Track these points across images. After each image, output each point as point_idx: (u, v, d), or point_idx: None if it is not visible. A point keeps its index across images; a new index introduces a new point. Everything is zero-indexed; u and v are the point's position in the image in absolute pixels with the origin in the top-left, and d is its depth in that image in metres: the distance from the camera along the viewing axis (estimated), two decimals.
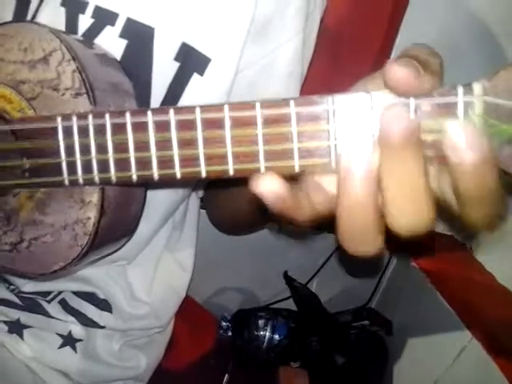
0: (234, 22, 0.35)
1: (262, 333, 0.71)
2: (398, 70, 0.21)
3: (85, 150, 0.27)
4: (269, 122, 0.24)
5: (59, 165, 0.28)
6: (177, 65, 0.35)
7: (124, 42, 0.34)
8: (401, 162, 0.20)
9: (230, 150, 0.25)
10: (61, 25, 0.34)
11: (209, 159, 0.25)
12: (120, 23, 0.34)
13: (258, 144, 0.24)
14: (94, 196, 0.28)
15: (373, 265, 0.77)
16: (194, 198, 0.54)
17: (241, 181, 0.38)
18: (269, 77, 0.38)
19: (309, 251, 0.76)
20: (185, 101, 0.36)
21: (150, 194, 0.40)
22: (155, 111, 0.26)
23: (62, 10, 0.34)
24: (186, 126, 0.25)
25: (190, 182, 0.44)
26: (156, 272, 0.48)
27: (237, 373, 0.67)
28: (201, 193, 0.53)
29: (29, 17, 0.34)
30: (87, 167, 0.27)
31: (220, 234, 0.66)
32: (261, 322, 0.71)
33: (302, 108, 0.24)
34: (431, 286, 0.69)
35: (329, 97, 0.23)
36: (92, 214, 0.28)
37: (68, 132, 0.27)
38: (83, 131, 0.27)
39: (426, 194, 0.21)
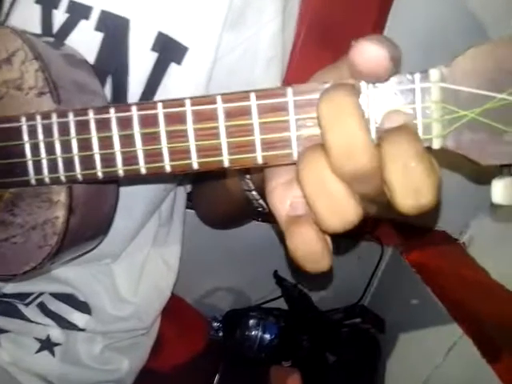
0: (211, 9, 0.35)
1: (253, 333, 0.70)
2: (373, 49, 0.19)
3: (50, 148, 0.27)
4: (230, 115, 0.24)
5: (25, 164, 0.28)
6: (154, 55, 0.35)
7: (100, 35, 0.34)
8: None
9: (193, 144, 0.25)
10: (36, 22, 0.34)
11: (172, 154, 0.25)
12: (94, 16, 0.34)
13: (221, 137, 0.24)
14: (61, 195, 0.28)
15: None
16: (181, 195, 0.53)
17: (224, 172, 0.38)
18: (249, 63, 0.38)
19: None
20: (163, 91, 0.36)
21: (131, 189, 0.39)
22: (118, 108, 0.25)
23: (37, 6, 0.34)
24: (149, 121, 0.25)
25: (171, 177, 0.44)
26: (143, 271, 0.48)
27: (228, 373, 0.67)
28: (189, 187, 0.53)
29: (3, 16, 0.34)
30: (53, 166, 0.27)
31: (210, 233, 0.66)
32: (252, 322, 0.70)
33: (263, 100, 0.23)
34: (423, 283, 0.69)
35: (289, 88, 0.23)
36: (60, 213, 0.28)
37: (33, 131, 0.27)
38: (48, 130, 0.27)
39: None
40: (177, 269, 0.53)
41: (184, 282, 0.60)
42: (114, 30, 0.34)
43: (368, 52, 0.20)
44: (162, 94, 0.36)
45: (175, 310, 0.61)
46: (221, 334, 0.72)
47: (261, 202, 0.35)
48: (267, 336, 0.70)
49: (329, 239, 0.23)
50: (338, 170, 0.20)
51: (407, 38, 0.56)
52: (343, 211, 0.21)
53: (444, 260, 0.70)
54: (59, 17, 0.34)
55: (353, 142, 0.20)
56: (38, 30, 0.34)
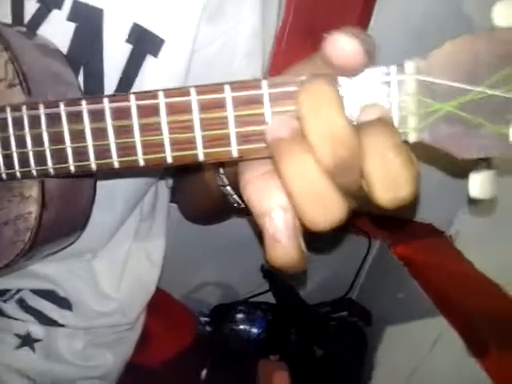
0: (188, 1, 0.34)
1: (241, 327, 0.70)
2: (345, 41, 0.19)
3: (21, 142, 0.26)
4: (205, 107, 0.23)
5: None
6: (129, 47, 0.34)
7: (72, 26, 0.33)
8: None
9: (166, 137, 0.24)
10: (6, 11, 0.33)
11: (146, 147, 0.25)
12: (67, 6, 0.33)
13: (195, 130, 0.24)
14: (33, 190, 0.27)
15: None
16: (164, 189, 0.53)
17: (202, 166, 0.38)
18: (227, 56, 0.38)
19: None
20: (140, 84, 0.35)
21: (111, 183, 0.39)
22: (90, 100, 0.25)
23: None
24: (122, 114, 0.24)
25: (153, 171, 0.44)
26: (125, 266, 0.47)
27: (216, 368, 0.67)
28: (170, 182, 0.53)
29: None
30: (24, 160, 0.26)
31: (197, 228, 0.66)
32: (239, 316, 0.71)
33: (238, 92, 0.23)
34: (409, 275, 0.69)
35: (264, 80, 0.23)
36: (33, 208, 0.28)
37: (3, 124, 0.26)
38: (18, 123, 0.26)
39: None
40: (161, 263, 0.53)
41: (171, 276, 0.60)
42: (87, 20, 0.33)
43: (341, 44, 0.19)
44: (138, 86, 0.35)
45: (162, 305, 0.61)
46: (208, 328, 0.71)
47: (235, 197, 0.34)
48: (255, 330, 0.70)
49: (303, 244, 0.22)
50: (320, 161, 0.20)
51: (393, 28, 0.55)
52: (329, 206, 0.20)
53: (430, 253, 0.70)
54: (30, 6, 0.33)
55: (333, 130, 0.19)
56: (8, 19, 0.33)
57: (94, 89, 0.34)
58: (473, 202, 0.63)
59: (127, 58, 0.34)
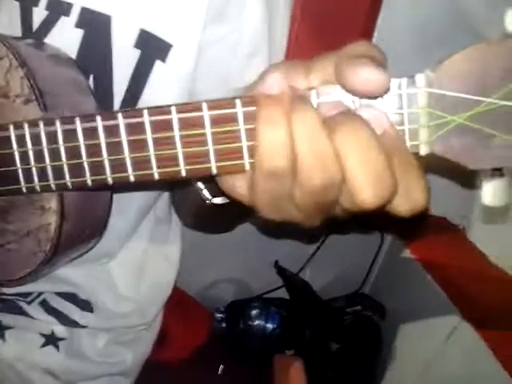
0: (191, 4, 0.34)
1: (255, 323, 0.71)
2: (371, 74, 0.20)
3: (39, 157, 0.27)
4: (216, 122, 0.24)
5: (16, 173, 0.28)
6: (138, 52, 0.34)
7: (81, 32, 0.34)
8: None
9: (180, 151, 0.25)
10: (16, 20, 0.34)
11: (160, 161, 0.25)
12: (75, 13, 0.33)
13: (208, 144, 0.24)
14: (53, 202, 0.28)
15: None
16: None
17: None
18: (231, 57, 0.38)
19: (299, 239, 0.76)
20: (149, 89, 0.36)
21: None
22: (104, 116, 0.25)
23: (16, 4, 0.34)
24: (136, 129, 0.25)
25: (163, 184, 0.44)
26: (143, 268, 0.48)
27: (232, 364, 0.68)
28: None
29: None
30: (43, 174, 0.27)
31: None
32: (254, 312, 0.71)
33: (249, 107, 0.23)
34: (423, 270, 0.69)
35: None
36: (53, 219, 0.28)
37: (21, 140, 0.27)
38: (35, 138, 0.27)
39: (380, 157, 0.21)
40: (178, 264, 0.54)
41: (186, 274, 0.61)
42: (96, 26, 0.33)
43: (365, 76, 0.20)
44: (148, 91, 0.35)
45: (178, 303, 0.62)
46: (224, 324, 0.72)
47: (205, 192, 0.34)
48: (270, 326, 0.71)
49: None
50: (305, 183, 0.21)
51: (401, 26, 0.55)
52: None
53: (444, 247, 0.70)
54: (39, 14, 0.33)
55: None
56: (18, 28, 0.33)
57: (103, 95, 0.34)
58: (483, 210, 0.63)
59: (136, 63, 0.35)
